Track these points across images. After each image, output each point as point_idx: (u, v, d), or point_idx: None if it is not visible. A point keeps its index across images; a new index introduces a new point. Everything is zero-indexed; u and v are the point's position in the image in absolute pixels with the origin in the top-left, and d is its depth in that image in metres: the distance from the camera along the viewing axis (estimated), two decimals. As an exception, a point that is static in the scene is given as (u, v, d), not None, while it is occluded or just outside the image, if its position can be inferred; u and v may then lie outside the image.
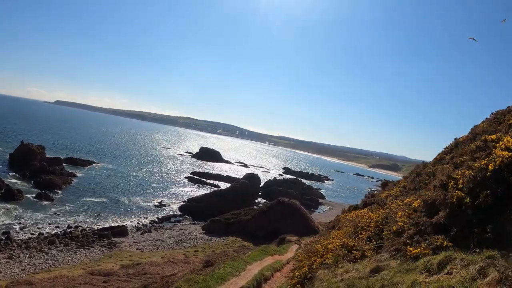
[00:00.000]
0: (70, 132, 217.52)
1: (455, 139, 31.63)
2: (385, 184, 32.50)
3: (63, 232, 56.13)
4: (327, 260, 12.96)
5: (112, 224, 63.70)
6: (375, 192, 32.34)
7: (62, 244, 50.42)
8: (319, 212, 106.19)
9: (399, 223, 10.06)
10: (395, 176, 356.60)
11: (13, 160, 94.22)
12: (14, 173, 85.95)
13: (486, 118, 29.41)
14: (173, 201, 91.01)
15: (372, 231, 12.64)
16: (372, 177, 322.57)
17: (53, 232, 55.09)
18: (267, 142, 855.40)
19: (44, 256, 45.51)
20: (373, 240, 11.99)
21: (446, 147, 29.57)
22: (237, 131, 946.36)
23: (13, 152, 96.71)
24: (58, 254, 46.75)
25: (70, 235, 54.86)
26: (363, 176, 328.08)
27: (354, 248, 11.89)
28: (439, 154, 30.26)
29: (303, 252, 19.58)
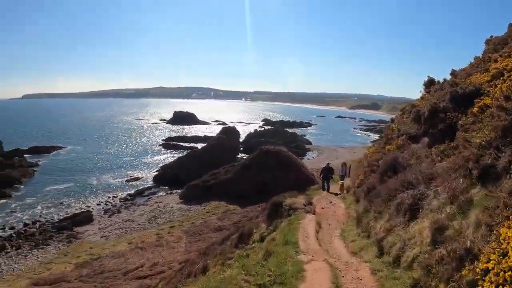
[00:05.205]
0: (34, 122, 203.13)
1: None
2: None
3: (16, 232, 47.76)
4: None
5: (76, 211, 55.52)
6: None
7: (13, 248, 42.45)
8: (308, 159, 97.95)
9: None
10: (377, 114, 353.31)
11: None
12: (-31, 177, 76.68)
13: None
14: (147, 172, 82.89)
15: None
16: (354, 118, 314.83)
17: (6, 235, 46.90)
18: (243, 99, 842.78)
19: (-12, 268, 37.68)
20: None
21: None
22: (212, 93, 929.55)
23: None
24: (5, 263, 38.73)
25: (24, 234, 46.78)
26: (344, 118, 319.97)
27: None
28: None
29: None
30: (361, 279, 9.66)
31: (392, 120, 26.52)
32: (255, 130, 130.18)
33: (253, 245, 16.59)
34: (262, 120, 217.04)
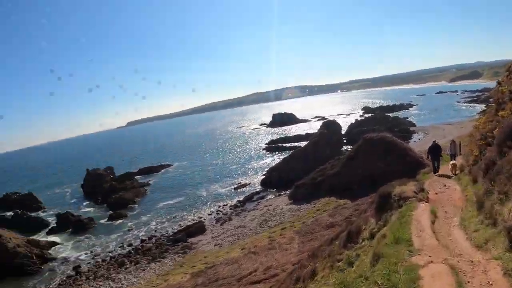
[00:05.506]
0: (141, 146, 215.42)
1: None
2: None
3: (134, 249, 50.84)
4: None
5: (189, 223, 57.41)
6: None
7: (132, 263, 45.15)
8: (414, 141, 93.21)
9: None
10: (480, 83, 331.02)
11: (85, 191, 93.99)
12: (87, 202, 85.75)
13: None
14: (254, 177, 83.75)
15: None
16: (456, 91, 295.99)
17: (125, 252, 50.35)
18: (339, 91, 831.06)
19: (110, 284, 40.43)
20: None
21: None
22: (307, 89, 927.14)
23: (82, 182, 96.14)
24: (125, 278, 41.30)
25: (141, 250, 49.50)
26: (445, 92, 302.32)
27: None
28: None
29: None
30: (491, 284, 7.39)
31: (499, 83, 23.08)
32: (356, 120, 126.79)
33: (363, 243, 14.64)
34: (362, 109, 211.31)
